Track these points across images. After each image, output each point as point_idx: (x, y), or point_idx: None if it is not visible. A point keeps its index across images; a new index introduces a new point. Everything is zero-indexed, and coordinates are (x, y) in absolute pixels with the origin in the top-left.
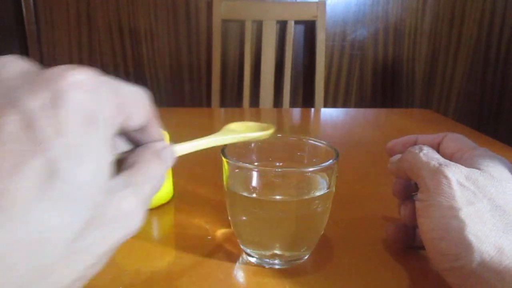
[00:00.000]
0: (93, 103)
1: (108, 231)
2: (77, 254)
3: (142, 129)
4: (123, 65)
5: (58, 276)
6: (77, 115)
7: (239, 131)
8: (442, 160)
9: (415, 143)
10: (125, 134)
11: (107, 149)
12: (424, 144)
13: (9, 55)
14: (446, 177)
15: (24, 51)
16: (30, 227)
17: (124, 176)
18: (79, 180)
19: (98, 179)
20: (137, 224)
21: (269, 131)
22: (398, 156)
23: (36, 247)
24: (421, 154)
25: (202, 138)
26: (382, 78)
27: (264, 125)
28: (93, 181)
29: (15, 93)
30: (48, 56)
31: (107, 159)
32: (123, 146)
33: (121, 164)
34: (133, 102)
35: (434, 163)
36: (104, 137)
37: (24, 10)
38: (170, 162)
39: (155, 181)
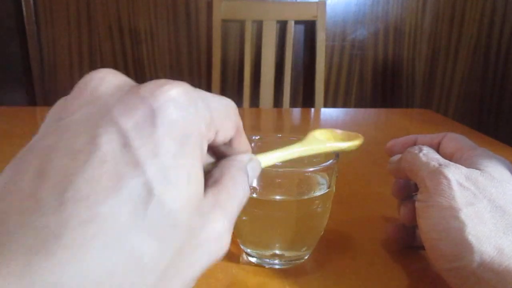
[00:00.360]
0: (189, 121)
1: (199, 256)
2: (169, 279)
3: (228, 142)
4: (123, 65)
5: None
6: (173, 134)
7: (325, 140)
8: (442, 160)
9: (414, 143)
10: (210, 147)
11: (200, 168)
12: (423, 144)
13: (105, 69)
14: (446, 178)
15: (24, 51)
16: (125, 255)
17: (211, 196)
18: (175, 204)
19: (193, 202)
20: (226, 246)
21: (357, 142)
22: (398, 156)
23: (133, 274)
24: (421, 155)
25: (287, 148)
26: (382, 78)
27: (352, 134)
28: (188, 204)
29: (112, 111)
30: (48, 56)
31: (200, 179)
32: (207, 158)
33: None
34: (223, 117)
35: (433, 163)
36: (197, 155)
37: (24, 10)
38: (255, 175)
39: (241, 198)
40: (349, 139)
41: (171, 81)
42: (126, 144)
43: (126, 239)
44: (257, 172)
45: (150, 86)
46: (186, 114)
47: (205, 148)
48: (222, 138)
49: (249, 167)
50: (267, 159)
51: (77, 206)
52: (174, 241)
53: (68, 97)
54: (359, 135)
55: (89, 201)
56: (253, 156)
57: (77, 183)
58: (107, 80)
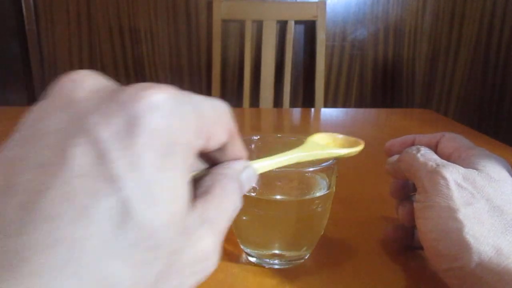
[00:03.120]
0: (173, 129)
1: (184, 277)
2: None
3: (221, 147)
4: (123, 65)
5: None
6: (154, 145)
7: (324, 145)
8: (439, 160)
9: (413, 143)
10: (202, 153)
11: (185, 181)
12: (421, 144)
13: (81, 70)
14: (443, 178)
15: (24, 51)
16: (98, 284)
17: (198, 210)
18: (155, 224)
19: (176, 221)
20: (214, 265)
21: (358, 148)
22: (396, 156)
23: None
24: (419, 155)
25: (284, 154)
26: (382, 78)
27: (352, 139)
28: (170, 224)
29: (87, 119)
30: (48, 56)
31: (185, 193)
32: (198, 164)
33: (194, 184)
34: (214, 121)
35: (431, 163)
36: (182, 167)
37: (24, 10)
38: (249, 184)
39: (231, 211)
40: (349, 144)
41: (155, 85)
42: (101, 156)
43: (99, 265)
44: (253, 181)
45: (130, 90)
46: (171, 122)
47: (193, 157)
48: (214, 144)
49: (243, 175)
50: (264, 165)
51: (45, 227)
52: (154, 266)
53: (42, 102)
54: (360, 140)
55: (59, 222)
56: (248, 163)
57: (46, 200)
58: (84, 83)
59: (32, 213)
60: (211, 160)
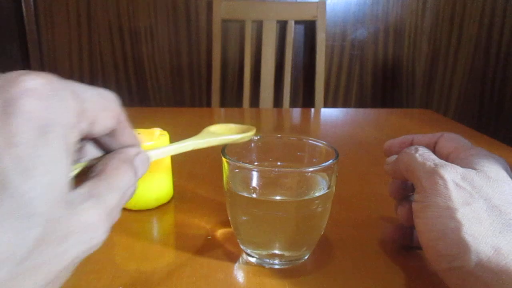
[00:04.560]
0: (48, 111)
1: (65, 246)
2: (30, 272)
3: (111, 133)
4: (123, 65)
5: None
6: (29, 125)
7: (218, 134)
8: (438, 160)
9: (411, 143)
10: (95, 140)
11: (65, 159)
12: (420, 144)
13: None
14: (442, 178)
15: (24, 51)
16: None
17: (86, 187)
18: (30, 194)
19: (53, 193)
20: (100, 238)
21: (249, 133)
22: (394, 156)
23: None
24: (417, 155)
25: (178, 142)
26: (382, 78)
27: (245, 127)
28: (47, 195)
29: None
30: (48, 56)
31: (64, 170)
32: (93, 152)
33: (89, 170)
34: (97, 106)
35: (430, 163)
36: (61, 146)
37: (24, 10)
38: (143, 169)
39: (123, 190)
40: (243, 131)
41: (32, 72)
42: None
43: None
44: (146, 165)
45: (8, 76)
46: (47, 104)
47: (73, 138)
48: (100, 129)
49: (136, 160)
50: (158, 153)
51: None
52: (33, 232)
53: None
54: (252, 127)
55: None
56: (141, 149)
57: None
58: None
59: None
60: (104, 147)
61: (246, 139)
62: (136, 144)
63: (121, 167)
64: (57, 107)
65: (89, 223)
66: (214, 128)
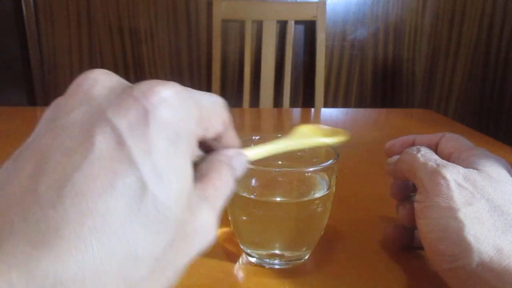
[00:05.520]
0: (179, 120)
1: (189, 245)
2: (162, 269)
3: (217, 137)
4: (123, 65)
5: None
6: (164, 134)
7: (310, 135)
8: (439, 160)
9: (413, 144)
10: (200, 142)
11: (190, 164)
12: (421, 145)
13: (98, 70)
14: (444, 178)
15: (24, 51)
16: (121, 248)
17: (199, 190)
18: (167, 199)
19: (183, 198)
20: (213, 236)
21: (343, 138)
22: (396, 157)
23: (128, 265)
24: (419, 155)
25: (274, 142)
26: (382, 78)
27: (337, 129)
28: (179, 199)
29: (106, 111)
30: (48, 56)
31: (190, 175)
32: (197, 152)
33: (194, 169)
34: (212, 113)
35: (431, 164)
36: (187, 152)
37: (24, 10)
38: (241, 169)
39: (226, 191)
40: (334, 134)
41: (162, 82)
42: (120, 142)
43: (122, 233)
44: (243, 166)
45: (142, 87)
46: (177, 114)
47: (194, 144)
48: (212, 134)
49: (236, 161)
50: (255, 153)
51: (75, 200)
52: (166, 234)
53: (62, 98)
54: (345, 131)
55: (86, 196)
56: (240, 150)
57: (74, 179)
58: (100, 81)
59: (64, 190)
60: (208, 148)
61: (339, 143)
62: (236, 146)
63: (222, 169)
64: (184, 117)
65: (205, 224)
66: (305, 129)
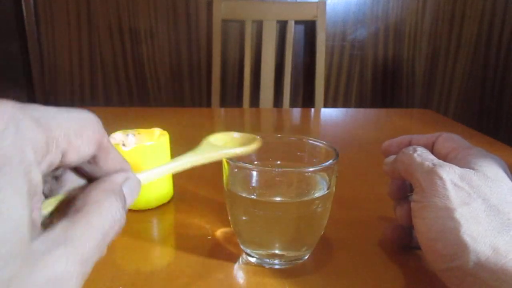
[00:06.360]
0: (5, 146)
1: None
2: None
3: (93, 160)
4: (123, 65)
5: None
6: None
7: (221, 146)
8: (436, 160)
9: (409, 144)
10: (75, 167)
11: (23, 202)
12: (418, 145)
13: None
14: (440, 178)
15: (24, 51)
16: None
17: (58, 230)
18: None
19: (11, 245)
20: (75, 286)
21: (253, 146)
22: (393, 157)
23: None
24: (415, 155)
25: (176, 159)
26: (382, 78)
27: (249, 136)
28: (3, 249)
29: None
30: (48, 56)
31: (22, 215)
32: (75, 180)
33: (68, 204)
34: (70, 133)
35: (428, 163)
36: (17, 187)
37: (24, 10)
38: (133, 196)
39: (106, 228)
40: (247, 142)
41: None
42: None
43: None
44: (136, 192)
45: None
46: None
47: (38, 175)
48: (75, 158)
49: (125, 187)
50: (151, 174)
51: None
52: None
53: None
54: (257, 137)
55: None
56: (130, 174)
57: None
58: None
59: None
60: (87, 176)
61: (249, 152)
62: (124, 168)
63: (104, 200)
64: (14, 142)
65: (58, 277)
66: (215, 138)
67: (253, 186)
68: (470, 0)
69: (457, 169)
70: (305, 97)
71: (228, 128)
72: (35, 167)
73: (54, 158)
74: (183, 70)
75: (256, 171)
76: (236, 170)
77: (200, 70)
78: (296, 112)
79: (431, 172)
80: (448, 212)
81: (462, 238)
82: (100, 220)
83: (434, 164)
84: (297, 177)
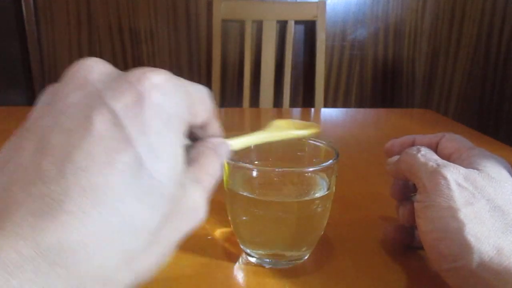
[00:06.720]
0: (170, 104)
1: (181, 222)
2: (157, 244)
3: (203, 125)
4: (123, 65)
5: (139, 265)
6: (158, 116)
7: (285, 128)
8: (440, 160)
9: (413, 144)
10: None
11: (181, 145)
12: (422, 145)
13: (92, 58)
14: (444, 178)
15: (24, 51)
16: (121, 219)
17: (190, 171)
18: (161, 176)
19: (176, 176)
20: (203, 216)
21: (314, 130)
22: (396, 157)
23: (126, 236)
24: (419, 155)
25: (252, 134)
26: (382, 78)
27: (308, 123)
28: (173, 176)
29: (103, 95)
30: (48, 56)
31: (181, 155)
32: (185, 138)
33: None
34: (198, 101)
35: (432, 164)
36: (178, 135)
37: (24, 10)
38: (226, 156)
39: (215, 175)
40: (306, 127)
41: (154, 69)
42: (117, 123)
43: (120, 206)
44: (228, 153)
45: (136, 73)
46: (168, 98)
47: (184, 128)
48: (199, 121)
49: (221, 149)
50: (236, 142)
51: (76, 176)
52: (161, 208)
53: (59, 84)
54: (315, 124)
55: (87, 172)
56: (224, 140)
57: (75, 156)
58: (96, 68)
59: (65, 166)
60: (194, 137)
61: (310, 136)
62: (220, 135)
63: (210, 156)
64: (176, 101)
65: (197, 203)
66: (279, 123)
67: (253, 186)
68: (470, 0)
69: (461, 169)
70: (305, 97)
71: (228, 128)
72: (184, 123)
73: (190, 119)
74: (183, 70)
75: (256, 171)
76: (236, 170)
77: (200, 70)
78: (296, 112)
79: (435, 172)
80: (452, 212)
81: (466, 239)
82: (211, 170)
83: (438, 164)
84: (297, 177)
